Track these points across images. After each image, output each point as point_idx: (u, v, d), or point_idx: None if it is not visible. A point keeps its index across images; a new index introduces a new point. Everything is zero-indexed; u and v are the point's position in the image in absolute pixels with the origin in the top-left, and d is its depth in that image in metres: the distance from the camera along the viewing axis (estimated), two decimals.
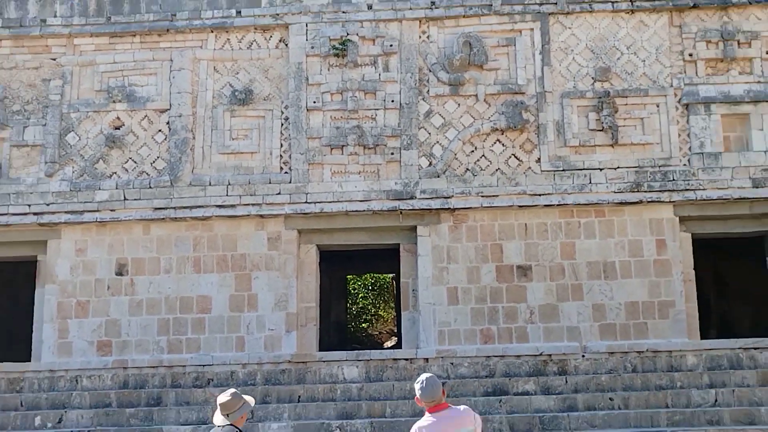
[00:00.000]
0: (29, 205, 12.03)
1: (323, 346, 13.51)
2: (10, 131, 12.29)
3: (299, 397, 11.13)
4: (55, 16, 12.57)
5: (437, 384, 4.57)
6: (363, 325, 22.59)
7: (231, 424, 4.74)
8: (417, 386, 4.58)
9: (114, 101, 12.37)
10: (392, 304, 18.72)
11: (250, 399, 4.92)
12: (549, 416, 10.14)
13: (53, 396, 11.39)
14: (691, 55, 12.18)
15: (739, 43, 12.10)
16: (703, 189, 11.75)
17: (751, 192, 11.69)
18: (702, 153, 11.94)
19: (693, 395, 10.57)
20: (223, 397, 4.80)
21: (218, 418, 4.84)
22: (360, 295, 23.55)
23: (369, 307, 23.74)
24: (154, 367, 11.72)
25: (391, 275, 19.43)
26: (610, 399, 10.61)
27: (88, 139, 12.37)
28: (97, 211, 11.97)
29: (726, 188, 11.73)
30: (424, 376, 4.62)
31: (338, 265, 16.73)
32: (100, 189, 12.07)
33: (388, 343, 19.88)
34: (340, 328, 17.07)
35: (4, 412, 11.00)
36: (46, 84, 12.48)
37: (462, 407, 4.71)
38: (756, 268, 13.42)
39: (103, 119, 12.40)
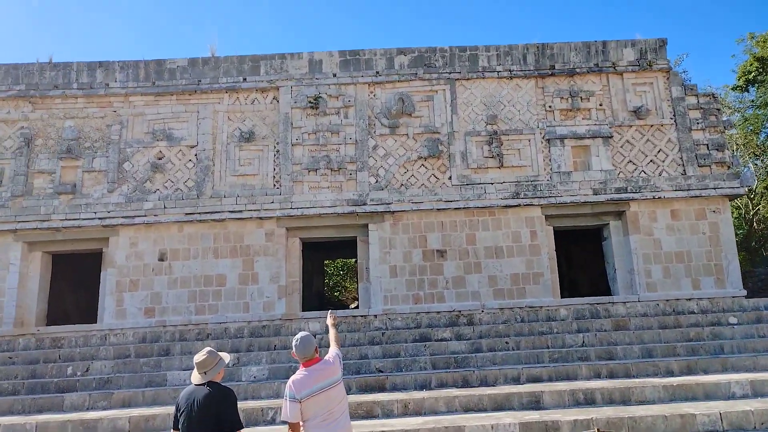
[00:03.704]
0: (95, 212, 13.23)
1: (308, 309, 14.56)
2: (82, 161, 13.56)
3: (275, 345, 11.64)
4: (115, 81, 13.95)
5: (311, 342, 4.32)
6: (336, 294, 23.81)
7: (210, 381, 4.25)
8: (293, 342, 4.32)
9: (157, 140, 13.70)
10: (355, 279, 19.59)
11: (225, 355, 4.42)
12: (461, 356, 10.75)
13: (84, 350, 11.76)
14: (550, 106, 13.81)
15: (581, 99, 13.79)
16: (561, 196, 13.25)
17: (592, 198, 13.22)
18: (559, 172, 13.46)
19: (566, 339, 11.26)
20: (199, 356, 4.29)
21: (196, 377, 4.30)
22: (334, 274, 24.81)
23: (340, 281, 25.05)
24: (185, 325, 12.63)
25: (354, 259, 20.05)
26: (506, 342, 11.23)
27: (139, 167, 13.63)
28: (145, 216, 13.18)
29: (575, 195, 13.24)
30: (300, 334, 4.35)
31: (318, 253, 17.68)
32: (146, 200, 13.30)
33: (353, 306, 20.95)
34: (320, 297, 18.08)
35: (44, 364, 11.42)
36: (108, 128, 13.77)
37: (331, 357, 4.43)
38: (594, 249, 14.89)
39: (150, 153, 13.71)
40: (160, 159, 13.85)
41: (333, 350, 4.63)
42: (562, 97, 14.01)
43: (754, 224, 17.62)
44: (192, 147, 13.92)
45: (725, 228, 13.47)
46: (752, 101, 19.98)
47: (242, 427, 4.27)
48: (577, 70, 14.08)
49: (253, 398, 9.71)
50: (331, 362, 4.38)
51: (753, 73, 17.48)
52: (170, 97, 14.13)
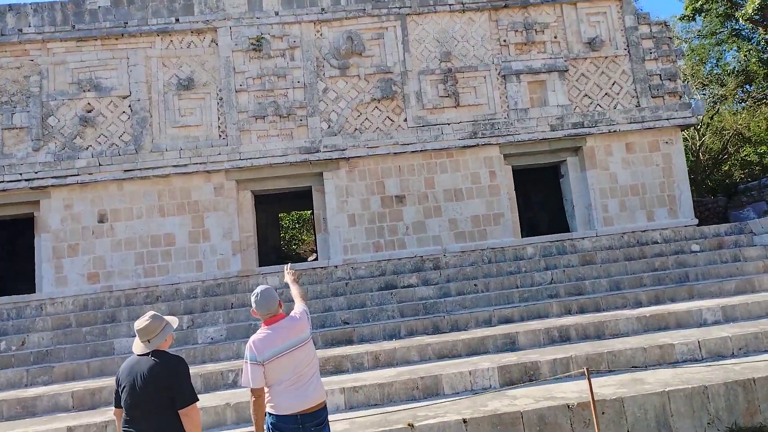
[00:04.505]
0: (21, 174, 11.70)
1: (265, 264, 13.60)
2: (0, 117, 11.86)
3: (232, 304, 10.79)
4: (29, 26, 12.13)
5: (273, 296, 3.73)
6: (293, 247, 22.87)
7: (156, 350, 3.53)
8: (252, 298, 3.72)
9: (84, 91, 12.13)
10: (312, 231, 18.98)
11: (172, 319, 3.74)
12: (430, 302, 10.04)
13: (18, 323, 10.53)
14: (505, 40, 12.95)
15: (536, 31, 12.95)
16: (518, 134, 12.55)
17: (549, 134, 12.58)
18: (516, 109, 12.72)
19: (535, 277, 10.73)
20: (141, 322, 3.57)
21: (138, 346, 3.58)
22: (290, 227, 23.79)
23: (297, 234, 24.11)
24: (133, 289, 11.49)
25: (309, 211, 19.31)
26: (475, 285, 10.60)
27: (66, 121, 12.07)
28: (78, 175, 11.78)
29: (533, 132, 12.56)
30: (260, 287, 3.75)
31: (271, 206, 16.71)
32: (78, 158, 11.85)
33: (311, 258, 19.94)
34: (276, 251, 17.29)
35: None
36: (27, 80, 12.08)
37: (297, 314, 3.84)
38: (551, 187, 14.37)
39: (77, 105, 12.13)
40: (89, 112, 12.30)
41: (299, 306, 3.95)
42: (516, 30, 13.15)
43: (700, 155, 17.56)
44: (125, 97, 12.41)
45: (677, 158, 13.19)
46: (699, 31, 19.65)
47: (196, 401, 3.51)
48: (531, 0, 13.16)
49: (212, 361, 8.78)
50: (297, 318, 3.76)
51: (700, 2, 17.01)
52: (94, 42, 12.45)
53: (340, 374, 7.82)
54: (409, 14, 12.96)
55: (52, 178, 11.88)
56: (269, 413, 3.61)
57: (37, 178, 11.86)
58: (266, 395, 3.62)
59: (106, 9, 12.41)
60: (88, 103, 12.30)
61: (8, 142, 12.09)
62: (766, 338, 7.27)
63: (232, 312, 10.37)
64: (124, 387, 3.50)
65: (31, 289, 12.28)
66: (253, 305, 3.70)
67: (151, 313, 3.65)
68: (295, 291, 4.18)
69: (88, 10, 12.38)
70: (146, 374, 3.40)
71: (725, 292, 9.43)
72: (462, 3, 13.00)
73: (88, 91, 12.28)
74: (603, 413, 5.73)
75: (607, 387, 6.28)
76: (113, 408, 3.71)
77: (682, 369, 6.79)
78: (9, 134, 12.10)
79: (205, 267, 12.00)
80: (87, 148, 12.19)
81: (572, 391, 6.27)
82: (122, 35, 12.44)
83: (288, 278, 4.32)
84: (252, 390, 3.57)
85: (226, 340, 9.45)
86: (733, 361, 6.97)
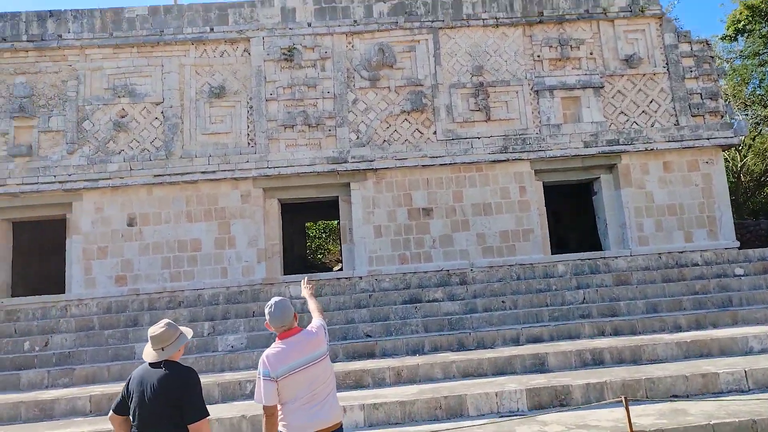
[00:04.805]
0: (55, 176, 11.67)
1: (290, 273, 13.32)
2: (37, 120, 11.93)
3: (253, 312, 10.51)
4: (69, 32, 12.20)
5: (288, 307, 3.46)
6: (319, 256, 22.60)
7: (167, 360, 3.31)
8: (266, 310, 3.45)
9: (119, 96, 12.12)
10: (338, 241, 18.99)
11: (187, 330, 3.52)
12: (455, 318, 9.67)
13: (43, 323, 10.46)
14: (539, 56, 12.56)
15: (571, 47, 12.54)
16: (551, 150, 12.12)
17: (583, 151, 12.12)
18: (549, 124, 12.31)
19: (566, 296, 10.22)
20: (156, 329, 3.36)
21: (150, 354, 3.34)
22: (317, 236, 23.56)
23: (323, 244, 23.84)
24: (159, 293, 11.34)
25: (336, 221, 19.04)
26: (503, 302, 10.18)
27: (100, 126, 12.06)
28: (110, 179, 11.71)
29: (566, 148, 12.12)
30: (274, 299, 3.48)
31: (298, 215, 16.48)
32: (111, 162, 11.81)
33: (336, 268, 19.59)
34: (302, 260, 16.90)
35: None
36: (64, 84, 12.12)
37: (314, 328, 3.55)
38: (582, 205, 13.86)
39: (111, 110, 12.11)
40: (123, 117, 12.27)
41: (316, 320, 3.68)
42: (551, 46, 12.73)
43: (741, 176, 16.72)
44: (158, 104, 12.35)
45: (718, 179, 12.51)
46: (741, 51, 18.87)
47: (207, 415, 3.29)
48: (567, 16, 12.76)
49: (231, 369, 8.49)
50: (314, 333, 3.50)
51: (743, 22, 16.31)
52: (130, 49, 12.46)
53: (360, 389, 7.42)
54: (441, 28, 12.68)
55: (84, 181, 11.85)
56: None
57: (70, 181, 11.84)
58: (279, 413, 3.35)
59: (143, 17, 12.45)
60: (122, 109, 12.29)
61: (44, 144, 12.13)
62: None
63: (254, 320, 10.12)
64: (132, 397, 3.32)
65: (61, 290, 12.19)
66: (267, 317, 3.43)
67: (166, 320, 3.45)
68: (312, 305, 3.93)
69: (126, 18, 12.44)
70: (157, 386, 3.21)
71: None
72: (495, 18, 12.68)
73: (123, 96, 12.28)
74: None
75: (646, 417, 5.74)
76: (111, 413, 3.45)
77: (728, 400, 6.19)
78: (45, 137, 12.15)
79: (230, 273, 11.78)
80: (119, 152, 12.16)
81: (607, 419, 5.75)
82: (158, 43, 12.43)
83: (305, 292, 4.05)
84: (264, 407, 3.30)
85: (246, 349, 9.16)
86: None
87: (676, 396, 6.45)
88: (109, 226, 11.91)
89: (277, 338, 3.45)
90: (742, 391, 6.52)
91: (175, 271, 11.75)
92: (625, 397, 5.07)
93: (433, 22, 12.66)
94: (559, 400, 6.48)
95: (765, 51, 18.03)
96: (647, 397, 6.43)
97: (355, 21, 12.64)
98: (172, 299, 11.14)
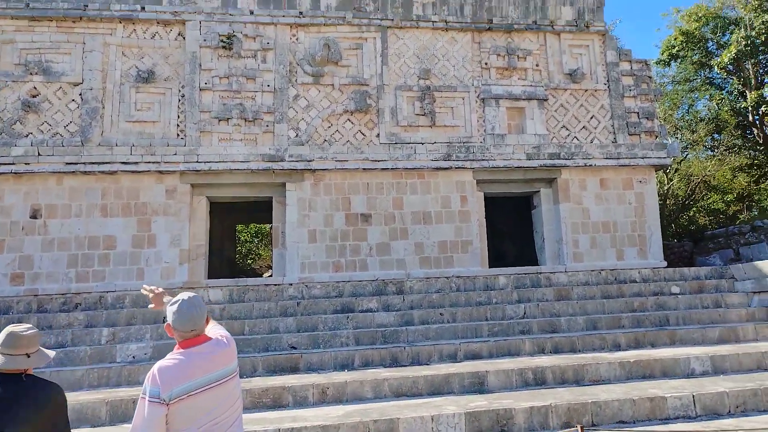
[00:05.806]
0: None
1: (217, 277, 12.24)
2: None
3: (164, 318, 9.44)
4: None
5: (201, 306, 2.60)
6: (249, 262, 21.25)
7: (27, 373, 2.52)
8: (170, 308, 2.56)
9: (31, 73, 10.62)
10: (270, 246, 17.89)
11: (50, 352, 2.66)
12: (390, 330, 8.69)
13: None
14: (486, 63, 11.99)
15: (518, 57, 12.05)
16: (494, 159, 11.46)
17: (525, 163, 11.52)
18: (493, 134, 11.73)
19: (507, 309, 9.47)
20: (23, 328, 2.59)
21: (9, 361, 2.48)
22: (247, 240, 22.13)
23: (254, 248, 22.48)
24: (62, 294, 9.84)
25: (269, 225, 18.04)
26: (441, 314, 9.36)
27: (7, 105, 10.51)
28: (13, 164, 10.14)
29: (509, 159, 11.48)
30: (181, 295, 2.62)
31: (229, 216, 15.35)
32: (15, 145, 10.23)
33: (266, 274, 18.37)
34: (230, 264, 15.70)
35: None
36: None
37: (223, 337, 2.68)
38: (521, 218, 13.40)
39: (21, 88, 10.58)
40: (34, 97, 10.70)
41: (220, 328, 2.78)
42: (498, 54, 12.16)
43: (667, 199, 16.82)
44: (76, 85, 10.85)
45: (650, 199, 12.24)
46: (673, 77, 19.21)
47: None
48: (515, 26, 12.24)
49: (128, 384, 7.07)
50: (225, 343, 2.62)
51: (677, 48, 16.51)
52: (49, 22, 10.92)
53: (278, 409, 6.27)
54: (390, 27, 11.88)
55: None
56: None
57: None
58: None
59: None
60: (34, 87, 10.71)
61: None
62: (765, 396, 6.07)
63: (162, 327, 8.60)
64: None
65: None
66: (170, 318, 2.52)
67: (29, 325, 2.68)
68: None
69: None
70: (17, 408, 2.36)
71: (708, 340, 8.28)
72: (445, 21, 11.99)
73: (36, 74, 10.72)
74: None
75: None
76: None
77: (676, 426, 5.52)
78: None
79: (147, 275, 10.33)
80: (27, 135, 10.57)
81: None
82: (80, 18, 10.97)
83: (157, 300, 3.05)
84: None
85: (150, 360, 7.71)
86: (731, 421, 5.74)
87: (623, 422, 5.72)
88: (8, 217, 10.25)
89: (177, 346, 2.53)
90: (689, 417, 5.88)
91: (83, 270, 10.22)
92: (581, 426, 4.22)
93: (382, 20, 11.84)
94: (501, 426, 5.61)
95: (695, 78, 18.47)
96: (593, 423, 5.66)
97: (301, 13, 11.63)
98: (66, 301, 9.52)
